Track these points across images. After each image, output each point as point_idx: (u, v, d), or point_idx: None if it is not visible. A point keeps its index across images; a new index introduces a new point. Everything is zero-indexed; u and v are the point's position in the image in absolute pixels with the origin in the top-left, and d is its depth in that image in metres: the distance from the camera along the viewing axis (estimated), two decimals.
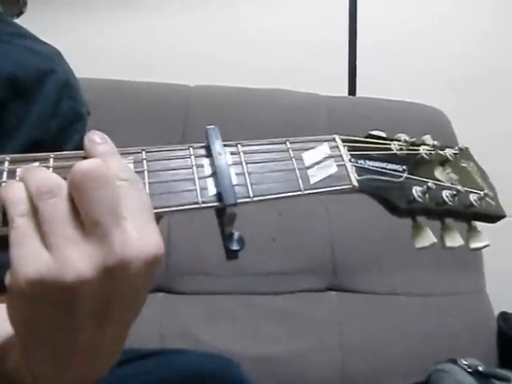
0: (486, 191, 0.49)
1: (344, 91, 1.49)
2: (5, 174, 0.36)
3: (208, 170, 0.40)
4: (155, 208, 0.37)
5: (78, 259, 0.31)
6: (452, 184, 0.48)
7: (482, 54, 1.49)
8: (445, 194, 0.47)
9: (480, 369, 0.99)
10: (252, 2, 1.47)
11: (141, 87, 1.25)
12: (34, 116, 0.61)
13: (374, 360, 1.10)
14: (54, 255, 0.31)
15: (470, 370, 0.99)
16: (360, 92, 1.49)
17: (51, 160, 0.37)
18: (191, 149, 0.41)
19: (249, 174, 0.41)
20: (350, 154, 0.45)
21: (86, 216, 0.32)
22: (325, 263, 1.17)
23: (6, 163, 0.37)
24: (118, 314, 0.34)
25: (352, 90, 1.49)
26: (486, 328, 1.17)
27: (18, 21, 0.70)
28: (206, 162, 0.40)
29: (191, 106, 1.24)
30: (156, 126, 1.20)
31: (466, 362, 1.01)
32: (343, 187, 0.43)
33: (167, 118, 1.22)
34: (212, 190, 0.39)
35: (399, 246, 1.17)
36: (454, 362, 1.02)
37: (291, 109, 1.28)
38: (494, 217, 0.50)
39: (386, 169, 0.46)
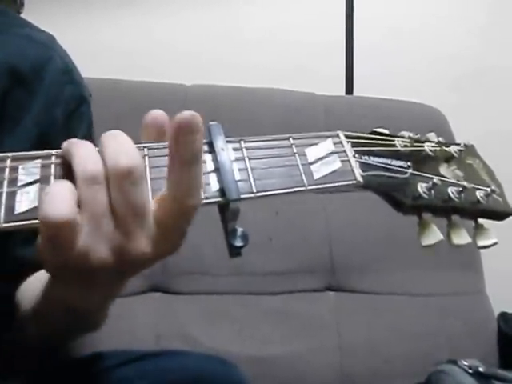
0: (492, 187, 0.48)
1: (341, 90, 1.49)
2: (7, 171, 0.36)
3: (210, 166, 0.40)
4: None
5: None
6: (458, 181, 0.48)
7: (479, 52, 1.49)
8: (451, 190, 0.46)
9: (481, 369, 0.98)
10: (249, 1, 1.47)
11: (137, 86, 1.24)
12: (37, 106, 0.60)
13: (373, 361, 1.10)
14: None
15: (470, 371, 0.98)
16: (357, 91, 1.49)
17: (53, 158, 0.37)
18: None
19: (252, 169, 0.41)
20: (354, 150, 0.44)
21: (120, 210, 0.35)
22: (323, 263, 1.16)
23: (8, 161, 0.37)
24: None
25: (349, 89, 1.49)
26: (486, 328, 1.16)
27: None
28: (208, 157, 0.40)
29: (188, 105, 1.23)
30: None
31: (466, 363, 0.99)
32: (348, 182, 0.43)
33: None
34: (215, 186, 0.39)
35: (398, 245, 1.16)
36: (454, 362, 1.01)
37: (288, 108, 1.27)
38: (501, 214, 0.49)
39: (390, 165, 0.45)
